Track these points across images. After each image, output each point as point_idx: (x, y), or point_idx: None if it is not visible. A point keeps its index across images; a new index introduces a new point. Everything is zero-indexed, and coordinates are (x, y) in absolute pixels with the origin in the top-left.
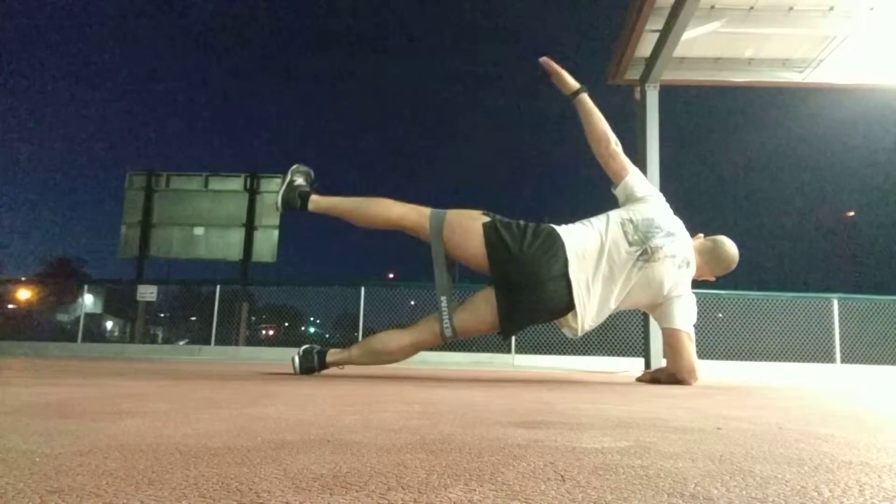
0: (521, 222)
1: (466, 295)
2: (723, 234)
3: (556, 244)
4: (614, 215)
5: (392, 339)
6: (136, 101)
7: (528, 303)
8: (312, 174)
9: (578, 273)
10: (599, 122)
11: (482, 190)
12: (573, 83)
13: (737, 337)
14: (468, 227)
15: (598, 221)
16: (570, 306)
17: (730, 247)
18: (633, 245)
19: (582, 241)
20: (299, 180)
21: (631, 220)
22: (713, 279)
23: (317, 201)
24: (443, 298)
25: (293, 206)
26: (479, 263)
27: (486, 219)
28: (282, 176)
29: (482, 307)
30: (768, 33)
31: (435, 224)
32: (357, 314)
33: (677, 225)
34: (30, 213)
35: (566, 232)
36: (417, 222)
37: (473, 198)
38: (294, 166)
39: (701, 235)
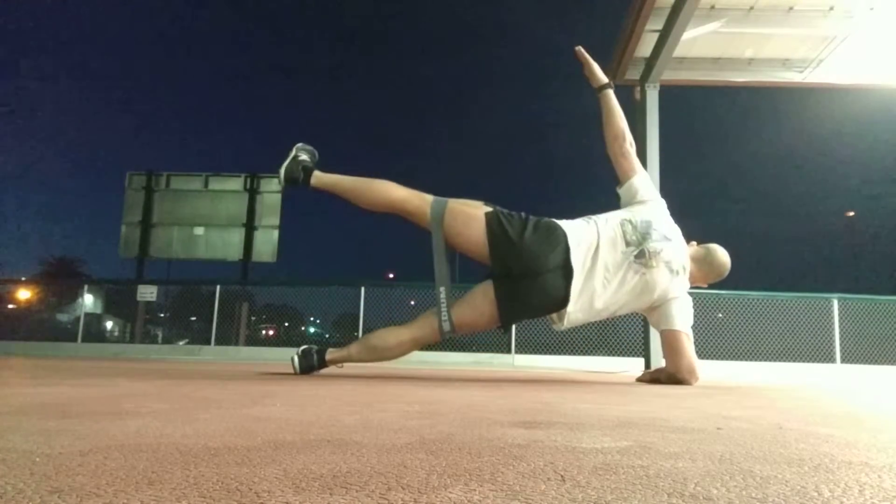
0: (523, 214)
1: (465, 291)
2: (722, 235)
3: (557, 236)
4: (614, 215)
5: (391, 335)
6: (136, 101)
7: (527, 293)
8: (317, 154)
9: (577, 262)
10: (620, 119)
11: (482, 189)
12: (602, 77)
13: (737, 337)
14: (470, 215)
15: (597, 219)
16: (566, 299)
17: (722, 255)
18: (629, 245)
19: (580, 235)
20: (303, 156)
21: (630, 221)
22: (705, 286)
23: (319, 177)
24: (441, 290)
25: (296, 179)
26: (479, 252)
27: (489, 209)
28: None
29: (480, 301)
30: (768, 33)
31: (437, 211)
32: (357, 314)
33: (675, 231)
34: (30, 213)
35: (568, 226)
36: (419, 207)
37: (473, 196)
38: (299, 144)
39: (694, 243)
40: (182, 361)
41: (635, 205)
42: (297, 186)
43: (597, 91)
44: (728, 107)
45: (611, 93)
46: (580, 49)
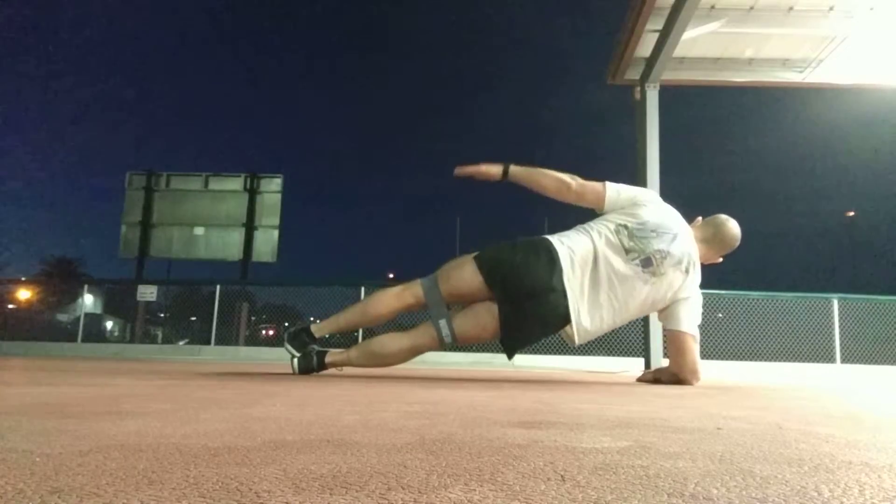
0: (510, 242)
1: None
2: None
3: (551, 253)
4: (609, 220)
5: (391, 341)
6: (136, 101)
7: (532, 314)
8: (302, 331)
9: (573, 281)
10: (543, 177)
11: (481, 191)
12: (496, 170)
13: (737, 337)
14: (462, 272)
15: (591, 227)
16: (568, 318)
17: (731, 226)
18: (630, 252)
19: (573, 248)
20: (293, 347)
21: (625, 226)
22: (720, 261)
23: (321, 329)
24: (441, 321)
25: (313, 367)
26: (483, 296)
27: (474, 254)
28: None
29: (484, 317)
30: (768, 33)
31: (432, 291)
32: None
33: (676, 221)
34: (30, 213)
35: (559, 241)
36: (416, 296)
37: (473, 198)
38: (284, 342)
39: (699, 218)
40: (182, 361)
41: (626, 208)
42: (314, 355)
43: (503, 180)
44: (728, 106)
45: (514, 168)
46: (459, 170)
